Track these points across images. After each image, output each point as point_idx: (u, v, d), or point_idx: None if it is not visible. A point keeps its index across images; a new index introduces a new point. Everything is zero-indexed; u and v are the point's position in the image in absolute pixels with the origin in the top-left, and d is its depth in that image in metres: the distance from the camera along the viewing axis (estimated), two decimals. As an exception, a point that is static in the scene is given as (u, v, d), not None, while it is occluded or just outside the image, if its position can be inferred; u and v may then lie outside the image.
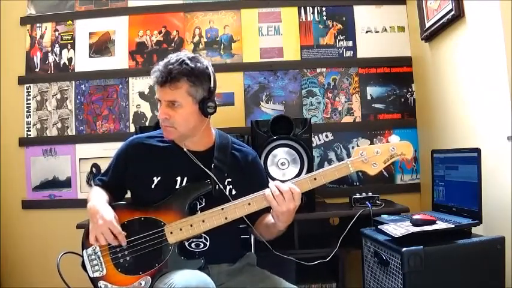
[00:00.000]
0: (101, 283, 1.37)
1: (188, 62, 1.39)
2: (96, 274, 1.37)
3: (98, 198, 1.44)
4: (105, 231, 1.33)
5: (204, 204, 1.45)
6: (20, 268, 2.54)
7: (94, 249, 1.38)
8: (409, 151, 1.38)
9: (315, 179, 1.36)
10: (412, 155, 1.39)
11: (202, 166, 1.45)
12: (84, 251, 1.40)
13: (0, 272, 2.51)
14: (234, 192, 1.48)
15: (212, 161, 1.47)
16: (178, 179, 1.46)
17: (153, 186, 1.46)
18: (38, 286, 2.43)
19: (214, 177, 1.44)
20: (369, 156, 1.36)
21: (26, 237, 2.55)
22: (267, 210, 1.40)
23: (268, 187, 1.34)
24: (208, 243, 1.43)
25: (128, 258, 1.37)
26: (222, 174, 1.47)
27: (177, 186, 1.45)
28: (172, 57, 1.41)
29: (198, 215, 1.39)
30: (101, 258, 1.38)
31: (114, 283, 1.36)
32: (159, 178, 1.46)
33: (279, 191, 1.31)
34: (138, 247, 1.37)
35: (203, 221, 1.37)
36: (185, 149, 1.48)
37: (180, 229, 1.37)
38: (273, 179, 1.88)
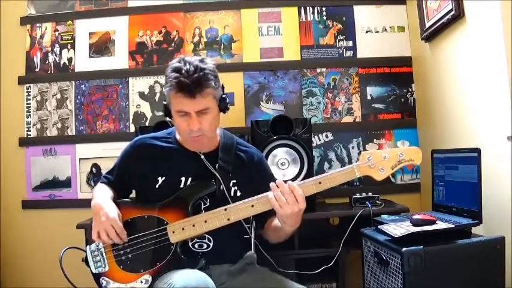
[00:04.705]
0: (103, 279, 1.37)
1: (205, 65, 1.37)
2: (99, 270, 1.38)
3: (102, 195, 1.45)
4: (108, 228, 1.33)
5: (208, 204, 1.45)
6: (20, 268, 2.54)
7: (97, 246, 1.39)
8: (418, 157, 1.35)
9: (320, 182, 1.35)
10: (420, 161, 1.36)
11: (210, 166, 1.46)
12: (88, 246, 1.41)
13: (0, 272, 2.51)
14: (239, 193, 1.49)
15: (217, 162, 1.47)
16: (183, 179, 1.46)
17: (157, 186, 1.46)
18: (38, 286, 2.43)
19: (220, 178, 1.44)
20: (376, 161, 1.35)
21: (26, 237, 2.55)
22: (275, 213, 1.39)
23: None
24: (211, 244, 1.43)
25: (130, 255, 1.38)
26: (226, 174, 1.47)
27: (181, 187, 1.45)
28: (186, 64, 1.35)
29: (201, 215, 1.39)
30: (104, 254, 1.39)
31: (115, 280, 1.37)
32: (163, 178, 1.46)
33: (282, 193, 1.30)
34: (140, 245, 1.37)
35: (205, 221, 1.37)
36: (202, 156, 1.48)
37: (183, 228, 1.37)
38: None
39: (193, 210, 1.41)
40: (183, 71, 1.34)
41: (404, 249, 1.43)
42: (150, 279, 1.35)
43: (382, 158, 1.35)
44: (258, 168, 1.56)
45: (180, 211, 1.40)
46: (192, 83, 1.33)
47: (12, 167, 2.58)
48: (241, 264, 1.49)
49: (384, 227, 1.59)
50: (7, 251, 2.54)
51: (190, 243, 1.42)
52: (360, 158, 1.37)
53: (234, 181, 1.49)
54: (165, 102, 1.46)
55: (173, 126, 1.60)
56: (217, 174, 1.45)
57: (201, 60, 1.39)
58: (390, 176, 1.41)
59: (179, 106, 1.38)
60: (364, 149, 2.37)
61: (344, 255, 2.06)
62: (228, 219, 1.36)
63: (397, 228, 1.55)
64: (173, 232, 1.37)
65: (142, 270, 1.36)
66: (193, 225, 1.37)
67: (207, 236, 1.42)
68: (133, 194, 1.59)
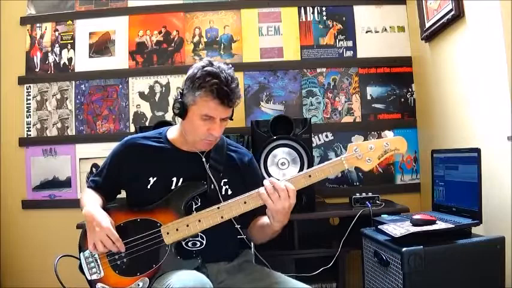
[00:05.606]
0: (99, 285, 1.36)
1: (235, 76, 1.40)
2: (94, 276, 1.36)
3: (92, 203, 1.42)
4: (103, 238, 1.32)
5: (199, 204, 1.45)
6: (20, 268, 2.54)
7: (91, 252, 1.37)
8: (402, 146, 1.37)
9: (310, 176, 1.36)
10: (406, 150, 1.38)
11: (206, 166, 1.46)
12: (82, 253, 1.39)
13: (0, 272, 2.51)
14: (230, 192, 1.49)
15: (208, 161, 1.47)
16: (174, 179, 1.45)
17: (149, 187, 1.45)
18: (38, 286, 2.43)
19: (212, 177, 1.44)
20: (363, 152, 1.36)
21: (26, 237, 2.55)
22: (262, 212, 1.40)
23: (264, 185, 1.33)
24: (204, 242, 1.43)
25: (125, 260, 1.36)
26: (217, 174, 1.48)
27: (173, 187, 1.45)
28: (223, 72, 1.36)
29: (194, 214, 1.38)
30: (98, 260, 1.37)
31: (112, 285, 1.35)
32: (155, 178, 1.46)
33: (274, 189, 1.30)
34: (135, 248, 1.36)
35: (199, 221, 1.36)
36: (203, 158, 1.48)
37: (177, 229, 1.36)
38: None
39: (185, 211, 1.41)
40: (223, 78, 1.35)
41: (404, 249, 1.43)
42: (147, 281, 1.34)
43: (369, 149, 1.36)
44: (248, 168, 1.56)
45: (172, 212, 1.39)
46: (231, 93, 1.36)
47: (12, 167, 2.58)
48: (239, 261, 1.49)
49: (383, 227, 1.59)
50: (7, 251, 2.54)
51: (183, 242, 1.42)
52: (347, 150, 1.38)
53: (225, 180, 1.50)
54: (180, 100, 1.41)
55: (170, 126, 1.60)
56: (209, 174, 1.45)
57: (229, 68, 1.41)
58: (377, 166, 1.41)
59: (210, 111, 1.37)
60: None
61: (344, 255, 2.06)
62: (222, 217, 1.36)
63: (397, 228, 1.54)
64: (167, 233, 1.37)
65: (138, 273, 1.35)
66: (187, 226, 1.36)
67: (199, 234, 1.42)
68: (123, 195, 1.57)
